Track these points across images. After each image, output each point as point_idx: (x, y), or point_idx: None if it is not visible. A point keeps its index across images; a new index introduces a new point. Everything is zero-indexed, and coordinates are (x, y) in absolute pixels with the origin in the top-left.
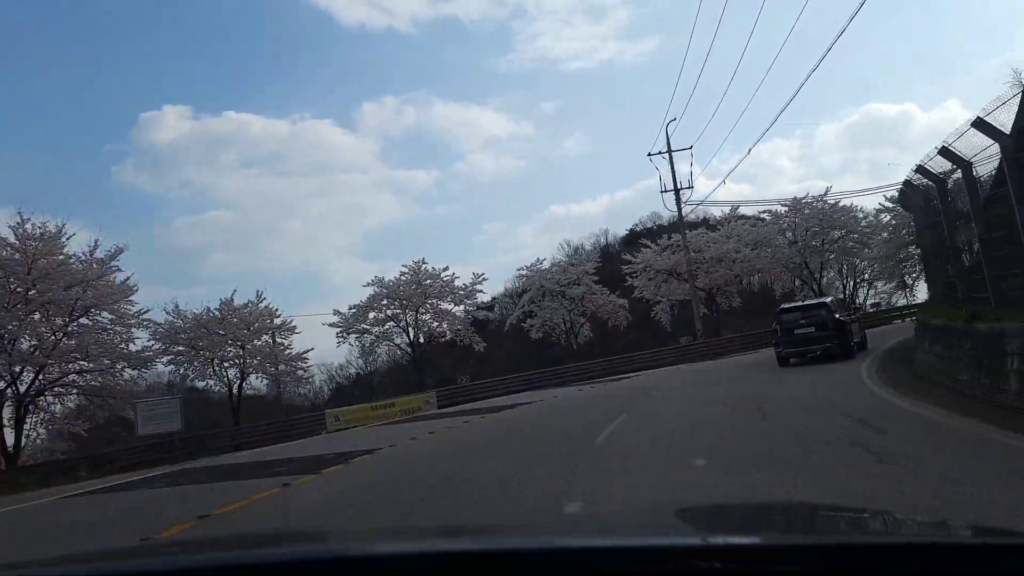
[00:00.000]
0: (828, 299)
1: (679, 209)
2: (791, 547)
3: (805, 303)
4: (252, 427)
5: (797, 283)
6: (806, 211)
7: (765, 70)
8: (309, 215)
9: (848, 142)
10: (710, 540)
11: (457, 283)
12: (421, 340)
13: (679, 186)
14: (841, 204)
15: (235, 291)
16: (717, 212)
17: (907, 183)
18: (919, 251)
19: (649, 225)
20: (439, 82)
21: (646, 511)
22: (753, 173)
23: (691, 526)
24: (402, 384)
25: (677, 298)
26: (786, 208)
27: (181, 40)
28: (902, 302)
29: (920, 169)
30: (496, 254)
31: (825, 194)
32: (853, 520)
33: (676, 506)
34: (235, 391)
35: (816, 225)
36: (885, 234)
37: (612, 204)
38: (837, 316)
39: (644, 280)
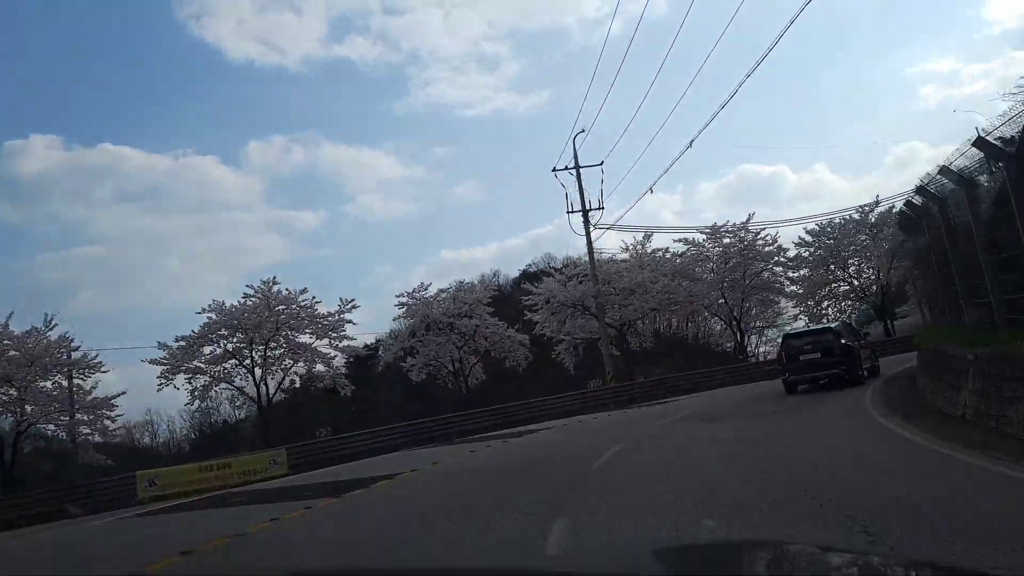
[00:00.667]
0: (835, 324)
1: (587, 232)
2: None
3: (811, 328)
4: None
5: (716, 324)
6: (725, 239)
7: (655, 130)
8: (188, 254)
9: (726, 198)
10: None
11: (321, 309)
12: (269, 381)
13: (588, 206)
14: (764, 233)
15: (11, 314)
16: (630, 239)
17: (909, 203)
18: (916, 272)
19: (542, 266)
20: (330, 123)
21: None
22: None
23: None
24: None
25: (583, 336)
26: (705, 236)
27: (55, 66)
28: None
29: (920, 189)
30: (386, 297)
31: (747, 221)
32: (834, 561)
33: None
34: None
35: (737, 255)
36: (805, 270)
37: (502, 250)
38: (844, 341)
39: (547, 314)
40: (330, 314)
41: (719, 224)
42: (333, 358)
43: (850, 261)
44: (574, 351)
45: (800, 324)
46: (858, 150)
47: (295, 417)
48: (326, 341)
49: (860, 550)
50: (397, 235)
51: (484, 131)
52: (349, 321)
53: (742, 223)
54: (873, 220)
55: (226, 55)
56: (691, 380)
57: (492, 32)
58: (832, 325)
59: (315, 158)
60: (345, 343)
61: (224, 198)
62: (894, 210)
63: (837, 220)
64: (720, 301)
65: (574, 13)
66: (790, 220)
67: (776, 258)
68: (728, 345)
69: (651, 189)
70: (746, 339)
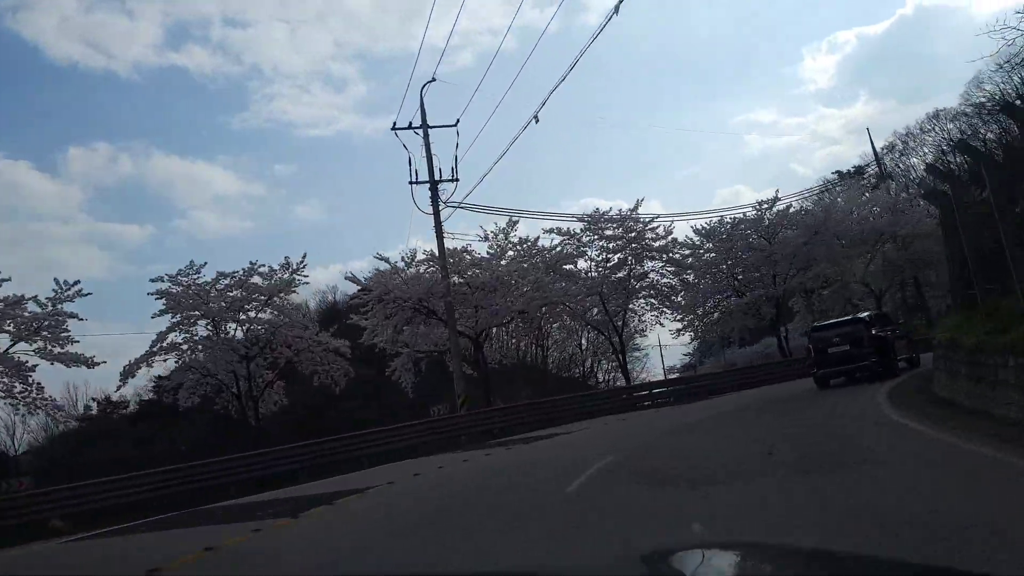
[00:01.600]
0: (864, 314)
1: (435, 208)
2: None
3: (839, 320)
4: None
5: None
6: (607, 231)
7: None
8: None
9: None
10: None
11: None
12: None
13: (438, 176)
14: (657, 224)
15: None
16: (491, 225)
17: (930, 167)
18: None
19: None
20: (162, 133)
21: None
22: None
23: None
24: None
25: (427, 349)
26: (583, 225)
27: None
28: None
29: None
30: None
31: (635, 208)
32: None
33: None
34: None
35: (623, 250)
36: (691, 276)
37: (346, 272)
38: (875, 332)
39: (379, 318)
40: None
41: (601, 211)
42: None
43: (739, 269)
44: (415, 368)
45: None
46: (690, 189)
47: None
48: (36, 346)
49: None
50: (232, 253)
51: (329, 151)
52: (74, 316)
53: (630, 209)
54: (769, 221)
55: (46, 54)
56: (570, 407)
57: (340, 52)
58: (862, 315)
59: (144, 169)
60: (66, 349)
61: (37, 207)
62: (791, 209)
63: (731, 217)
64: (596, 311)
65: (420, 39)
66: (686, 213)
67: (671, 254)
68: (612, 365)
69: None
70: (607, 362)
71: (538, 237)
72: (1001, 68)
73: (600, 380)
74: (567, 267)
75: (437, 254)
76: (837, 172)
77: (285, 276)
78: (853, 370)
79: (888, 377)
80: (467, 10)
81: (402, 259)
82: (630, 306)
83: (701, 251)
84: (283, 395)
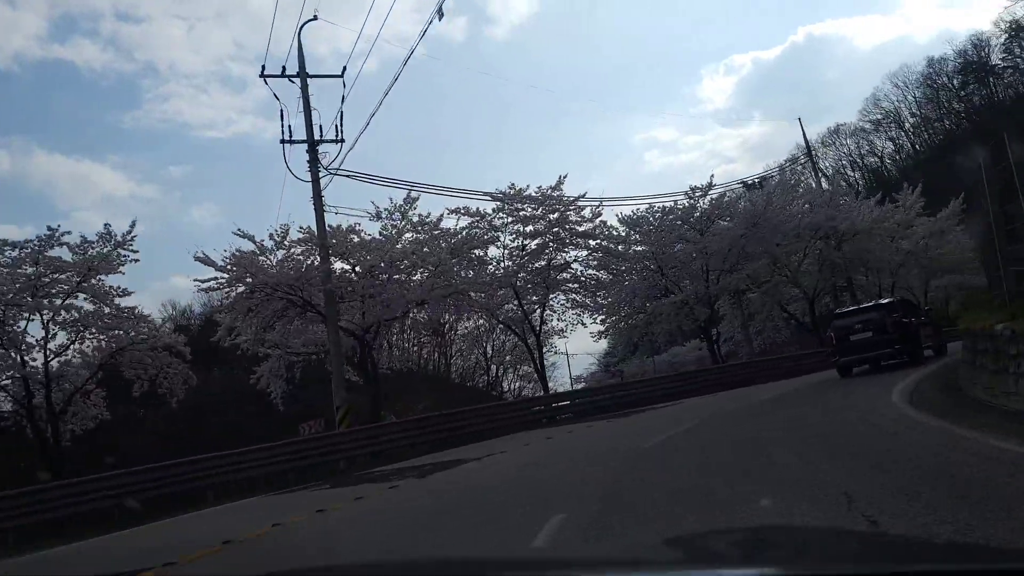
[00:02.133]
0: (887, 300)
1: (314, 173)
2: None
3: (862, 306)
4: None
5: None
6: (523, 212)
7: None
8: None
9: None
10: None
11: None
12: None
13: (317, 136)
14: (583, 205)
15: None
16: (384, 201)
17: None
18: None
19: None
20: (45, 130)
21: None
22: None
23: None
24: None
25: (304, 351)
26: (496, 205)
27: None
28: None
29: None
30: None
31: (558, 185)
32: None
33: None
34: None
35: (543, 235)
36: (623, 267)
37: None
38: (899, 318)
39: (241, 311)
40: None
41: (519, 188)
42: None
43: (671, 267)
44: (287, 374)
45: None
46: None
47: None
48: None
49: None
50: None
51: (226, 154)
52: None
53: (551, 187)
54: (702, 211)
55: None
56: (477, 421)
57: (240, 53)
58: (885, 301)
59: (24, 168)
60: None
61: None
62: (726, 198)
63: (661, 206)
64: (510, 306)
65: (328, 44)
66: (616, 198)
67: (599, 240)
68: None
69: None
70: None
71: (442, 215)
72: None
73: (505, 390)
74: (476, 252)
75: (316, 232)
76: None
77: (104, 250)
78: (877, 357)
79: (914, 365)
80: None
81: (271, 237)
82: (549, 301)
83: (629, 242)
84: (103, 407)
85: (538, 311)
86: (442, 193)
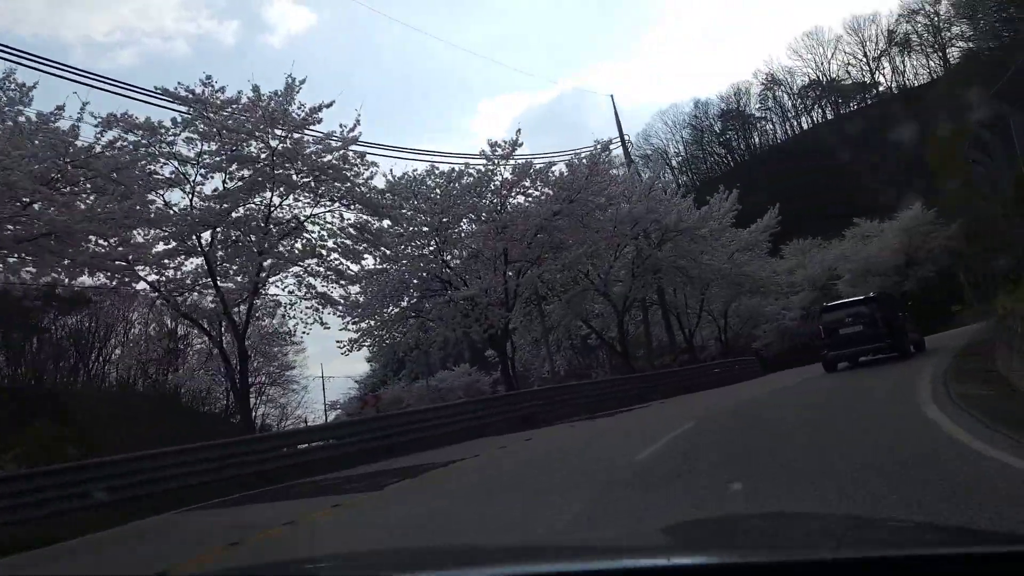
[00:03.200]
0: (873, 293)
1: None
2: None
3: (850, 299)
4: None
5: None
6: (217, 115)
7: None
8: None
9: None
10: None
11: None
12: None
13: None
14: (331, 133)
15: None
16: None
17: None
18: None
19: None
20: None
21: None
22: None
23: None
24: None
25: None
26: (185, 113)
27: None
28: None
29: None
30: None
31: (288, 91)
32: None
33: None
34: None
35: (255, 163)
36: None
37: None
38: (887, 312)
39: None
40: None
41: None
42: None
43: (457, 252)
44: None
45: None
46: None
47: None
48: None
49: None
50: None
51: None
52: None
53: (277, 92)
54: (504, 178)
55: None
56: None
57: None
58: (872, 294)
59: None
60: None
61: None
62: (537, 166)
63: (452, 169)
64: (202, 283)
65: (77, 30)
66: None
67: (359, 189)
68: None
69: None
70: None
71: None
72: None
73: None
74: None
75: None
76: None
77: None
78: (867, 351)
79: (902, 359)
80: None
81: None
82: (265, 283)
83: (396, 214)
84: None
85: (246, 294)
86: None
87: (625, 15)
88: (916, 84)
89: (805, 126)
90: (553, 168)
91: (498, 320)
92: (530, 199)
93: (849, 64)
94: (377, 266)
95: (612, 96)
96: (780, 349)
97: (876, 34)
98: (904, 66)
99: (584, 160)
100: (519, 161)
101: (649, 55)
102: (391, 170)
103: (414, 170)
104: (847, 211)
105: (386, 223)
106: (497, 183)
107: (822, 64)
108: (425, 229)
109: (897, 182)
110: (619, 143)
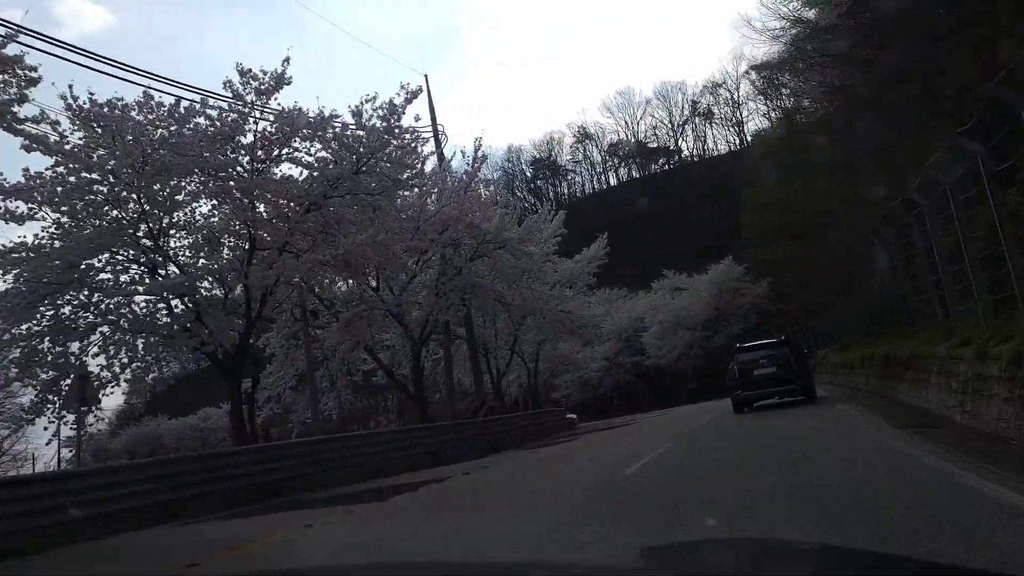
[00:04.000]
0: (782, 336)
1: None
2: None
3: (764, 341)
4: None
5: None
6: None
7: None
8: None
9: None
10: None
11: None
12: None
13: None
14: None
15: None
16: None
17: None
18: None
19: None
20: None
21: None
22: None
23: None
24: None
25: None
26: None
27: None
28: None
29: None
30: None
31: None
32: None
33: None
34: None
35: None
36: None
37: None
38: (799, 354)
39: None
40: None
41: None
42: None
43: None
44: None
45: None
46: None
47: None
48: None
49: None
50: None
51: None
52: None
53: None
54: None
55: None
56: None
57: None
58: (782, 337)
59: None
60: None
61: None
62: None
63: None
64: None
65: None
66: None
67: None
68: None
69: None
70: None
71: None
72: None
73: None
74: None
75: None
76: None
77: None
78: (779, 392)
79: (810, 402)
80: None
81: None
82: None
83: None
84: None
85: None
86: None
87: (451, 53)
88: (717, 153)
89: (613, 182)
90: (336, 120)
91: (221, 331)
92: (298, 164)
93: (656, 127)
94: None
95: (426, 76)
96: (580, 400)
97: (682, 101)
98: (705, 136)
99: (381, 111)
100: (286, 108)
101: (472, 95)
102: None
103: (120, 98)
104: (656, 264)
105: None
106: (251, 138)
107: (631, 124)
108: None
109: (704, 240)
110: (431, 130)
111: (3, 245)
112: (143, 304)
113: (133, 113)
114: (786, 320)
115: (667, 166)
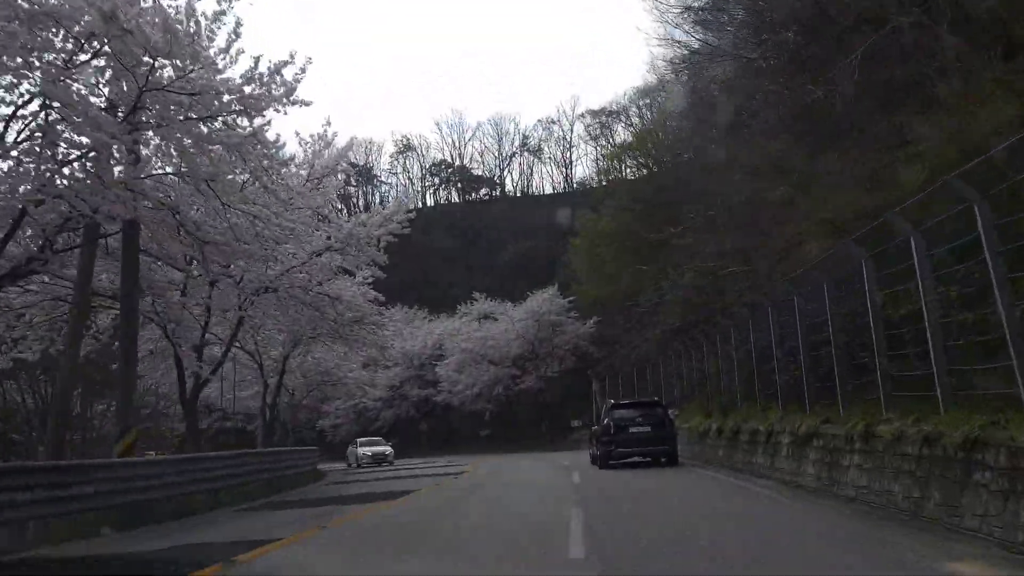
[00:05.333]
0: (657, 398)
1: None
2: None
3: (639, 400)
4: None
5: None
6: None
7: None
8: None
9: None
10: None
11: None
12: None
13: None
14: None
15: None
16: None
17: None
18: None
19: None
20: None
21: None
22: None
23: None
24: None
25: None
26: None
27: None
28: None
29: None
30: None
31: None
32: None
33: None
34: None
35: None
36: None
37: None
38: (668, 418)
39: None
40: None
41: None
42: None
43: None
44: None
45: None
46: None
47: None
48: None
49: None
50: None
51: None
52: None
53: None
54: None
55: None
56: None
57: None
58: (657, 399)
59: None
60: None
61: None
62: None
63: None
64: None
65: None
66: None
67: None
68: None
69: None
70: None
71: None
72: None
73: None
74: None
75: None
76: None
77: None
78: (650, 453)
79: (673, 464)
80: None
81: None
82: None
83: None
84: None
85: None
86: None
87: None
88: (543, 192)
89: (431, 202)
90: None
91: None
92: None
93: (483, 154)
94: None
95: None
96: (350, 433)
97: (513, 132)
98: (531, 172)
99: None
100: None
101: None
102: None
103: None
104: (467, 290)
105: None
106: None
107: (459, 144)
108: None
109: (526, 271)
110: None
111: None
112: None
113: None
114: (606, 369)
115: (489, 196)
